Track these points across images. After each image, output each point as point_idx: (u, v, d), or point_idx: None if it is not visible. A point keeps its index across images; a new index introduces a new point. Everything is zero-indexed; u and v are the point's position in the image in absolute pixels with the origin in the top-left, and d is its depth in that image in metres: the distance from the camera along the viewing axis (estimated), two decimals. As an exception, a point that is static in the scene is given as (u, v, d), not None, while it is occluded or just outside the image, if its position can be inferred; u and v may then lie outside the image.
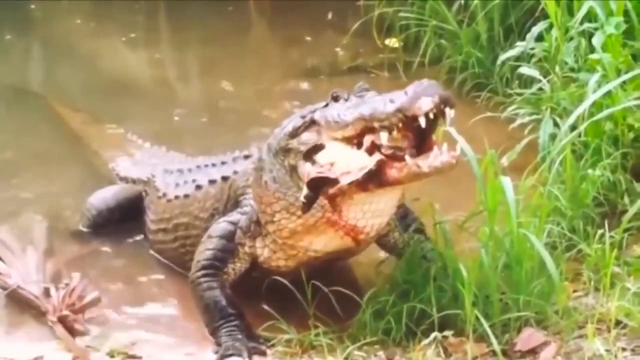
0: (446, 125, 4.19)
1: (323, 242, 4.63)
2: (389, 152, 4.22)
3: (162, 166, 5.70)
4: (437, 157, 4.15)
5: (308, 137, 4.45)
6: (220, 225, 4.82)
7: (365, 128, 4.24)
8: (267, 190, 4.61)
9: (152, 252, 5.53)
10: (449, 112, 4.11)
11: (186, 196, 5.24)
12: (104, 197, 5.91)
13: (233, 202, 4.92)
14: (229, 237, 4.77)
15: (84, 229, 5.87)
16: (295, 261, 4.75)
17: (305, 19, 9.67)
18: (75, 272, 5.19)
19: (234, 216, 4.82)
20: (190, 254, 5.00)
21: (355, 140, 4.30)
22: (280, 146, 4.56)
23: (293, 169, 4.48)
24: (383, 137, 4.19)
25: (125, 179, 6.05)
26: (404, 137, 4.25)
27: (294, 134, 4.51)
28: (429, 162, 4.16)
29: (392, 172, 4.19)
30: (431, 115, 4.07)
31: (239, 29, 9.74)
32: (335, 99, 4.48)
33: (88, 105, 7.70)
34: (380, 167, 4.20)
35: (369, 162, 4.22)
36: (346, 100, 4.45)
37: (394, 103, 4.14)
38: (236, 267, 4.79)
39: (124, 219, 5.79)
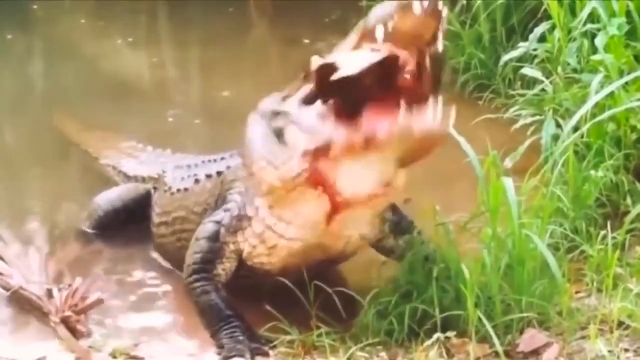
0: (440, 30, 3.99)
1: (299, 211, 4.45)
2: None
3: (173, 163, 5.72)
4: (431, 120, 3.98)
5: (299, 99, 4.32)
6: (206, 227, 4.82)
7: (363, 33, 4.06)
8: (249, 145, 4.49)
9: (154, 251, 5.54)
10: (443, 10, 3.94)
11: (186, 190, 5.25)
12: (110, 197, 5.90)
13: (222, 198, 4.91)
14: (214, 237, 4.76)
15: (90, 230, 5.85)
16: (277, 257, 4.69)
17: (306, 19, 9.68)
18: (78, 273, 5.22)
19: (219, 215, 4.81)
20: (185, 248, 4.98)
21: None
22: (270, 108, 4.46)
23: (279, 132, 4.35)
24: (379, 32, 3.98)
25: (135, 178, 6.04)
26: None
27: (286, 96, 4.42)
28: (422, 123, 3.96)
29: (381, 128, 3.98)
30: (425, 4, 3.87)
31: (239, 29, 9.75)
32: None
33: (88, 105, 7.72)
34: (369, 125, 4.00)
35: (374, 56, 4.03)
36: None
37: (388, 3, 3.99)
38: (225, 267, 4.77)
39: (129, 220, 5.79)
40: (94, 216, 5.86)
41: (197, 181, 5.19)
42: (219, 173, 5.07)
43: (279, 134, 4.36)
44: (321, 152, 4.15)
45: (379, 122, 4.02)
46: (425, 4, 3.92)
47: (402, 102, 4.03)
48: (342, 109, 4.15)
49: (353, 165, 4.23)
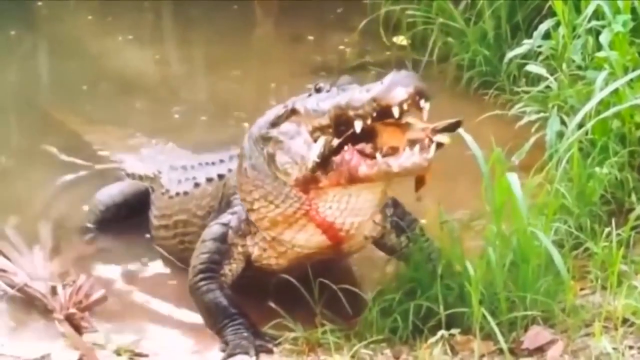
0: (424, 117, 4.16)
1: (304, 238, 4.60)
2: (360, 147, 4.20)
3: (168, 163, 5.71)
4: (409, 157, 4.13)
5: (288, 128, 4.45)
6: (213, 229, 4.83)
7: (341, 116, 4.22)
8: (247, 177, 4.62)
9: (157, 248, 5.55)
10: (424, 105, 4.09)
11: (185, 193, 5.27)
12: (111, 193, 5.91)
13: (226, 201, 4.93)
14: (222, 238, 4.77)
15: (91, 226, 5.87)
16: (285, 259, 4.74)
17: (311, 17, 9.66)
18: (82, 270, 5.23)
19: (225, 217, 4.83)
20: (189, 250, 5.01)
21: (331, 131, 4.28)
22: (260, 134, 4.57)
23: (271, 158, 4.48)
24: (357, 126, 4.16)
25: (132, 176, 6.04)
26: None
27: (275, 122, 4.53)
28: (399, 161, 4.13)
29: (363, 168, 4.17)
30: (405, 106, 4.06)
31: (244, 27, 9.74)
32: (318, 90, 4.49)
33: (92, 102, 7.73)
34: (350, 163, 4.19)
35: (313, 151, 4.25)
36: (328, 91, 4.46)
37: (369, 92, 4.14)
38: (232, 268, 4.79)
39: (131, 215, 5.79)
40: (95, 211, 5.87)
41: (197, 185, 5.21)
42: (220, 176, 5.09)
43: (270, 161, 4.50)
44: (311, 181, 4.33)
45: (358, 162, 4.18)
46: (405, 102, 4.06)
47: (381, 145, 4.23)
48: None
49: (346, 195, 4.41)
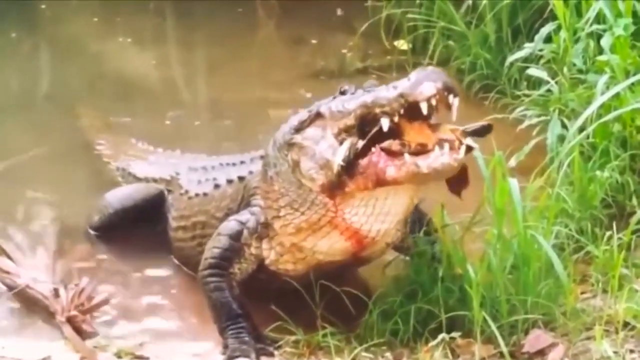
0: (452, 116, 4.12)
1: (328, 245, 4.56)
2: (395, 147, 4.14)
3: (185, 164, 5.68)
4: (438, 157, 4.08)
5: (313, 133, 4.41)
6: (230, 224, 4.79)
7: (368, 115, 4.19)
8: (272, 185, 4.59)
9: (172, 254, 5.52)
10: (453, 101, 4.06)
11: (205, 194, 5.23)
12: (120, 196, 5.85)
13: (246, 203, 4.89)
14: (236, 236, 4.74)
15: (98, 228, 5.82)
16: (304, 265, 4.70)
17: (313, 20, 9.67)
18: (85, 273, 5.23)
19: (244, 215, 4.78)
20: None
21: (356, 131, 4.24)
22: (284, 140, 4.53)
23: (296, 165, 4.45)
24: (384, 124, 4.12)
25: (145, 179, 5.97)
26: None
27: (299, 128, 4.49)
28: (428, 162, 4.08)
29: (390, 169, 4.12)
30: (433, 102, 4.01)
31: (246, 29, 9.75)
32: (343, 92, 4.46)
33: (92, 103, 7.73)
34: (378, 165, 4.14)
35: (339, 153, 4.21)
36: (353, 93, 4.42)
37: (396, 89, 4.11)
38: (242, 267, 4.77)
39: (139, 218, 5.73)
40: (104, 214, 5.81)
41: (217, 186, 5.17)
42: (240, 178, 5.04)
43: (295, 167, 4.46)
44: (336, 187, 4.27)
45: (386, 163, 4.13)
46: (434, 98, 4.02)
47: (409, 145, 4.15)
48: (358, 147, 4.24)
49: (372, 201, 4.35)
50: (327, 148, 4.30)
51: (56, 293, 4.91)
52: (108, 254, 5.69)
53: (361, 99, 4.25)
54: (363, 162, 4.18)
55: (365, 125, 4.22)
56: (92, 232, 5.84)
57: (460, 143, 4.16)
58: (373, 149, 4.16)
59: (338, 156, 4.22)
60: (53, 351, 4.63)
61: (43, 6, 10.56)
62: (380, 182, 4.16)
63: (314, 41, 9.33)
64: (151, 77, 8.65)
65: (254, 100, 7.98)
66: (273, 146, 4.62)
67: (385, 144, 4.15)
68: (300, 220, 4.51)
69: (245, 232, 4.74)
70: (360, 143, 4.19)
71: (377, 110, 4.13)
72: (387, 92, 4.13)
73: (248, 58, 8.95)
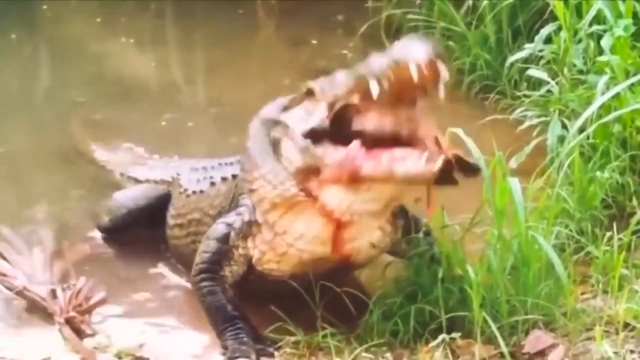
0: (440, 93, 4.07)
1: (304, 227, 4.51)
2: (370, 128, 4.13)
3: (186, 166, 5.66)
4: (415, 164, 4.03)
5: (298, 113, 4.39)
6: (218, 227, 4.79)
7: (358, 83, 4.11)
8: (249, 156, 4.59)
9: (168, 252, 5.52)
10: (442, 69, 4.00)
11: (201, 192, 5.23)
12: (133, 196, 5.80)
13: (236, 202, 4.89)
14: (224, 239, 4.73)
15: (109, 228, 5.76)
16: (287, 264, 4.68)
17: (313, 21, 9.68)
18: (83, 273, 5.22)
19: (231, 217, 4.78)
20: None
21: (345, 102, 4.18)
22: (269, 116, 4.54)
23: (277, 142, 4.44)
24: (374, 89, 4.03)
25: (147, 182, 5.94)
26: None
27: (287, 107, 4.49)
28: (404, 167, 4.03)
29: (366, 166, 4.07)
30: (423, 67, 3.94)
31: (246, 30, 9.75)
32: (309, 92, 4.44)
33: (91, 105, 7.74)
34: (355, 159, 4.09)
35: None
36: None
37: (385, 56, 4.06)
38: (233, 270, 4.75)
39: (152, 218, 5.67)
40: (116, 215, 5.74)
41: (212, 184, 5.17)
42: (234, 176, 5.05)
43: (275, 145, 4.46)
44: (312, 172, 4.26)
45: (362, 159, 4.09)
46: (423, 62, 3.97)
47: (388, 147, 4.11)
48: (338, 138, 4.21)
49: (347, 194, 4.31)
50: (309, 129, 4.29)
51: (54, 294, 4.90)
52: (107, 254, 5.69)
53: (352, 72, 4.21)
54: (340, 152, 4.14)
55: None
56: (101, 233, 5.82)
57: (440, 153, 4.10)
58: (354, 143, 4.12)
59: (307, 123, 4.23)
60: (53, 352, 4.62)
61: (44, 6, 10.58)
62: (355, 177, 4.12)
63: (314, 42, 9.34)
64: (151, 78, 8.66)
65: (253, 102, 7.95)
66: (256, 119, 4.63)
67: (363, 124, 4.14)
68: (274, 195, 4.47)
69: (233, 233, 4.72)
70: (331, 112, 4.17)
71: (368, 76, 4.05)
72: (378, 59, 4.08)
73: (248, 59, 8.95)
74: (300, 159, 4.31)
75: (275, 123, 4.49)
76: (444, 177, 4.13)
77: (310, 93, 4.40)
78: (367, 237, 4.63)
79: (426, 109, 4.21)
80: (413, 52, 4.00)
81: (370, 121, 4.21)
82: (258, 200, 4.58)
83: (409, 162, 4.04)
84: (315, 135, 4.25)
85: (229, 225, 4.74)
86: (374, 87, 4.04)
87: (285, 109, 4.51)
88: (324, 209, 4.39)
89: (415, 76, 3.98)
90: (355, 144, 4.12)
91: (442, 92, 4.08)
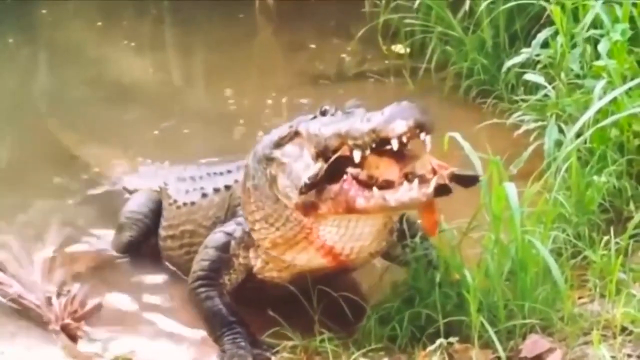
0: (425, 151, 4.11)
1: (306, 259, 4.58)
2: (363, 177, 4.15)
3: (173, 175, 5.65)
4: (407, 192, 4.06)
5: (291, 150, 4.42)
6: (216, 236, 4.82)
7: (341, 145, 4.18)
8: (249, 197, 4.62)
9: (163, 259, 5.52)
10: (426, 138, 4.04)
11: (193, 203, 5.24)
12: (140, 202, 5.75)
13: (232, 212, 4.91)
14: (224, 248, 4.76)
15: (131, 245, 5.68)
16: (288, 273, 4.72)
17: (311, 25, 9.70)
18: (79, 280, 5.23)
19: (230, 226, 4.81)
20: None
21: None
22: (264, 154, 4.54)
23: (273, 180, 4.46)
24: (356, 156, 4.12)
25: (135, 192, 5.96)
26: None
27: (279, 143, 4.50)
28: (396, 196, 4.07)
29: (360, 200, 4.11)
30: (404, 139, 4.00)
31: (244, 35, 9.77)
32: (323, 113, 4.45)
33: (87, 109, 7.74)
34: (348, 194, 4.13)
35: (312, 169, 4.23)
36: (333, 115, 4.42)
37: (369, 122, 4.07)
38: (232, 278, 4.78)
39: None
40: (137, 225, 5.66)
41: (204, 195, 5.18)
42: (227, 187, 5.07)
43: (272, 183, 4.48)
44: (310, 208, 4.28)
45: (356, 193, 4.12)
46: (405, 136, 4.00)
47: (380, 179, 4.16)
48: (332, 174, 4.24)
49: (346, 224, 4.37)
50: (304, 168, 4.31)
51: (49, 301, 4.89)
52: (102, 260, 5.68)
53: (336, 127, 4.23)
54: (335, 187, 4.18)
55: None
56: (87, 239, 5.81)
57: (434, 175, 4.14)
58: (345, 177, 4.16)
59: (304, 176, 4.24)
60: (50, 357, 4.62)
61: (44, 11, 10.58)
62: (350, 210, 4.17)
63: (312, 46, 9.35)
64: (149, 83, 8.67)
65: (251, 106, 7.99)
66: (253, 158, 4.63)
67: (354, 171, 4.15)
68: (276, 236, 4.55)
69: (233, 242, 4.75)
70: (325, 166, 4.20)
71: (350, 143, 4.12)
72: (360, 125, 4.10)
73: (246, 63, 8.97)
74: (297, 195, 4.31)
75: (270, 160, 4.51)
76: (440, 191, 4.17)
77: (298, 134, 4.43)
78: (365, 253, 4.64)
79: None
80: (395, 125, 4.00)
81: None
82: (260, 238, 4.63)
83: (400, 191, 4.08)
84: (312, 187, 4.25)
85: (229, 234, 4.77)
86: (357, 155, 4.12)
87: (277, 145, 4.51)
88: (325, 247, 4.46)
89: (395, 147, 4.04)
90: (348, 177, 4.16)
91: (427, 145, 4.10)
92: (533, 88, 6.70)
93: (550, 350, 4.29)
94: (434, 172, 4.17)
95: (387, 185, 4.13)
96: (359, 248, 4.51)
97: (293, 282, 4.72)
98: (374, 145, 4.08)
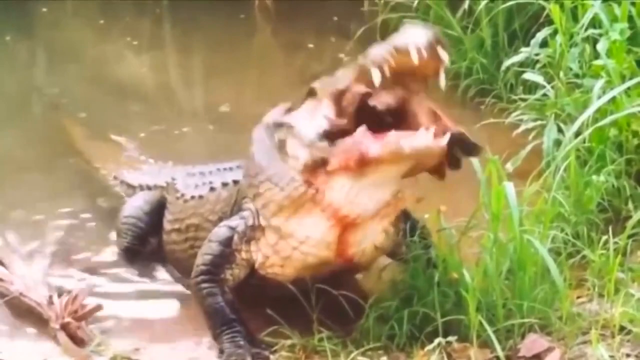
0: (441, 80, 4.11)
1: (310, 225, 4.47)
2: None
3: (181, 171, 5.64)
4: (422, 138, 4.03)
5: (303, 113, 4.39)
6: (220, 230, 4.79)
7: (361, 73, 4.15)
8: (253, 160, 4.58)
9: (164, 257, 5.52)
10: (443, 54, 4.02)
11: (200, 197, 5.22)
12: (136, 205, 5.75)
13: (239, 206, 4.88)
14: (227, 242, 4.73)
15: (132, 245, 5.67)
16: (291, 268, 4.67)
17: (310, 25, 9.70)
18: (80, 279, 5.23)
19: (234, 221, 4.77)
20: None
21: (350, 96, 4.21)
22: (273, 120, 4.53)
23: (282, 144, 4.43)
24: (375, 77, 4.07)
25: (140, 187, 5.96)
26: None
27: (290, 109, 4.50)
28: (411, 142, 4.03)
29: (374, 147, 4.06)
30: (424, 52, 3.97)
31: (243, 34, 9.78)
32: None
33: (86, 109, 7.73)
34: (362, 143, 4.09)
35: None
36: None
37: (387, 43, 4.08)
38: (234, 274, 4.75)
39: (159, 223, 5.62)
40: (134, 231, 5.66)
41: (212, 189, 5.16)
42: (235, 182, 5.04)
43: (281, 147, 4.44)
44: (319, 165, 4.24)
45: (369, 141, 4.09)
46: (423, 48, 3.99)
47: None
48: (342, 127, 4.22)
49: (355, 184, 4.30)
50: (315, 127, 4.27)
51: (50, 300, 4.89)
52: (103, 259, 5.68)
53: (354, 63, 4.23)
54: (347, 140, 4.14)
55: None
56: (89, 238, 5.81)
57: (443, 127, 4.14)
58: (359, 129, 4.12)
59: (321, 124, 4.22)
60: (49, 355, 4.63)
61: (44, 9, 10.59)
62: (363, 160, 4.11)
63: (310, 46, 9.36)
64: (148, 82, 8.67)
65: (250, 105, 7.98)
66: (260, 125, 4.62)
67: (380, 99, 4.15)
68: (281, 197, 4.44)
69: (236, 237, 4.72)
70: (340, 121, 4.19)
71: (370, 64, 4.08)
72: (379, 48, 4.10)
73: (245, 63, 8.97)
74: (306, 153, 4.28)
75: (279, 125, 4.49)
76: (450, 159, 4.17)
77: (312, 93, 4.41)
78: (371, 240, 4.63)
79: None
80: (413, 37, 4.02)
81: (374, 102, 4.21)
82: (264, 203, 4.55)
83: (416, 137, 4.05)
84: (330, 135, 4.23)
85: (232, 228, 4.74)
86: (376, 75, 4.06)
87: (288, 111, 4.51)
88: (330, 208, 4.38)
89: (415, 60, 4.00)
90: (362, 128, 4.12)
91: (442, 80, 4.11)
92: (532, 87, 6.71)
93: (549, 350, 4.29)
94: (437, 119, 4.17)
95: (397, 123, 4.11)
96: (365, 215, 4.41)
97: (293, 281, 4.70)
98: (392, 62, 4.03)
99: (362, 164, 4.15)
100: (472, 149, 4.31)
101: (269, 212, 4.55)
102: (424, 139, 4.04)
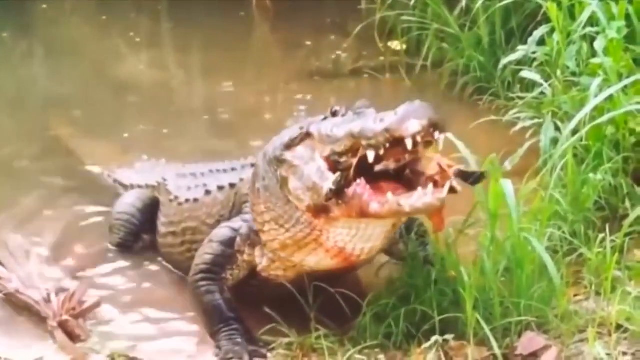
0: (438, 149, 4.11)
1: (315, 261, 4.55)
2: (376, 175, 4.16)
3: (172, 171, 5.64)
4: (421, 197, 4.05)
5: (302, 152, 4.38)
6: (222, 231, 4.80)
7: (355, 145, 4.17)
8: (259, 198, 4.58)
9: (160, 255, 5.52)
10: (439, 137, 4.03)
11: (195, 200, 5.21)
12: (128, 202, 5.75)
13: (237, 210, 4.89)
14: (229, 243, 4.74)
15: (123, 241, 5.68)
16: (294, 272, 4.69)
17: (308, 22, 9.70)
18: (77, 276, 5.23)
19: (237, 222, 4.79)
20: None
21: (345, 158, 4.22)
22: (275, 155, 4.50)
23: (284, 182, 4.42)
24: (370, 156, 4.10)
25: (131, 187, 5.96)
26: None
27: (289, 145, 4.46)
28: (411, 201, 4.06)
29: (374, 205, 4.10)
30: (418, 139, 3.99)
31: (241, 32, 9.78)
32: (334, 114, 4.41)
33: (82, 107, 7.73)
34: (362, 198, 4.12)
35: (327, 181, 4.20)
36: (343, 115, 4.38)
37: (382, 122, 4.06)
38: (234, 274, 4.77)
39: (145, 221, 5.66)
40: (125, 226, 5.67)
41: (208, 192, 5.14)
42: (232, 185, 5.04)
43: (283, 184, 4.43)
44: (323, 210, 4.26)
45: (369, 197, 4.11)
46: (419, 135, 3.98)
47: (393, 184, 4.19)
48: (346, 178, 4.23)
49: (359, 226, 4.33)
50: (316, 171, 4.29)
51: (47, 298, 4.89)
52: (101, 257, 5.67)
53: (349, 128, 4.20)
54: (349, 192, 4.16)
55: (353, 152, 4.20)
56: (85, 236, 5.81)
57: (447, 179, 4.14)
58: (358, 181, 4.14)
59: (328, 182, 4.20)
60: (46, 352, 4.63)
61: (44, 6, 10.59)
62: (364, 214, 4.16)
63: (308, 43, 9.36)
64: (146, 80, 8.66)
65: (249, 103, 7.99)
66: (263, 159, 4.59)
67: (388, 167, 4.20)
68: (285, 237, 4.51)
69: (238, 239, 4.73)
70: (351, 173, 4.18)
71: (364, 143, 4.10)
72: (373, 126, 4.08)
73: (243, 61, 8.98)
74: (309, 198, 4.30)
75: (281, 162, 4.47)
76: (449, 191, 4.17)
77: (309, 135, 4.39)
78: (372, 243, 4.59)
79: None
80: (408, 124, 3.98)
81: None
82: (269, 240, 4.60)
83: (415, 196, 4.07)
84: (337, 192, 4.22)
85: (235, 230, 4.75)
86: (371, 155, 4.10)
87: (288, 147, 4.47)
88: (335, 248, 4.43)
89: (409, 147, 4.02)
90: (361, 181, 4.14)
91: (440, 147, 4.11)
92: (529, 85, 6.71)
93: (546, 348, 4.30)
94: (442, 171, 4.17)
95: (432, 181, 4.12)
96: (370, 249, 4.48)
97: (293, 281, 4.71)
98: (387, 145, 4.06)
99: (363, 216, 4.19)
100: (474, 179, 4.32)
101: (273, 247, 4.61)
102: (423, 198, 4.06)
